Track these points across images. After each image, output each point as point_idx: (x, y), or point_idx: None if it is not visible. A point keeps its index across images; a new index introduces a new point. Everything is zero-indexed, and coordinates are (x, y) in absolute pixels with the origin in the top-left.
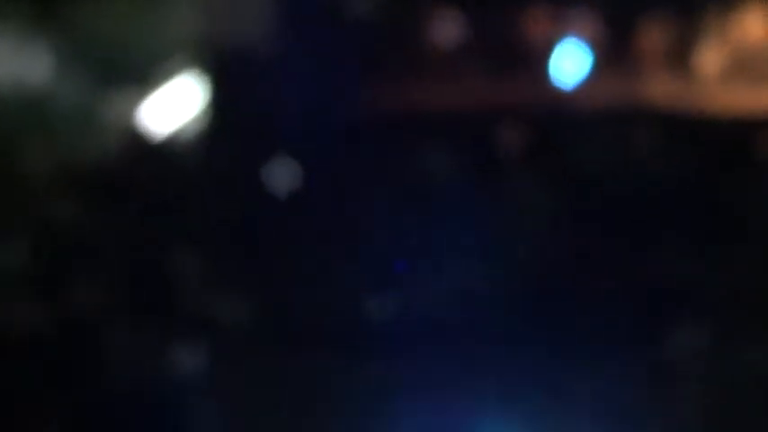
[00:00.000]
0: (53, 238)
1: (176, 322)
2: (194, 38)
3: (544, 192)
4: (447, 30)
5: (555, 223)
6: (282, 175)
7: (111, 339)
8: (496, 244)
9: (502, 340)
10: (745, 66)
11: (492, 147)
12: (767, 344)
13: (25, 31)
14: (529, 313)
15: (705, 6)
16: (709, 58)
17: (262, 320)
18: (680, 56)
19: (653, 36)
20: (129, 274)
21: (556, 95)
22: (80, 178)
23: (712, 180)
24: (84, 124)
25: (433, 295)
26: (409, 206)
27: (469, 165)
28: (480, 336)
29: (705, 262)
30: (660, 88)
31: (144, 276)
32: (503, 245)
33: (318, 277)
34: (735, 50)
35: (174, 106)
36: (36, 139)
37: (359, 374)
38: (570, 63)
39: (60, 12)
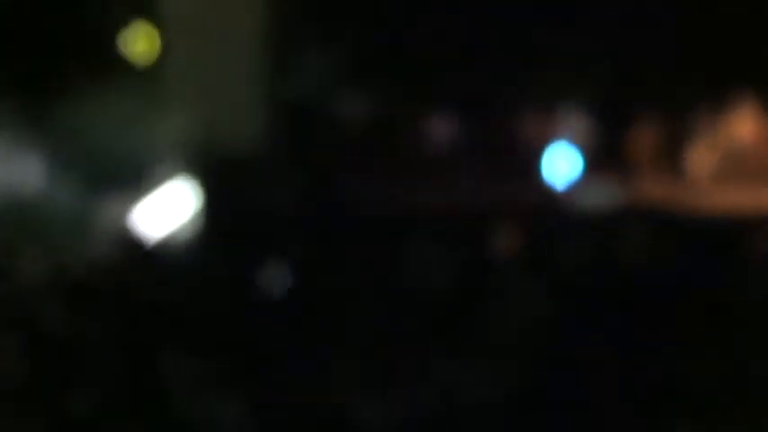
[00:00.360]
0: (47, 345)
1: (171, 425)
2: (186, 143)
3: (538, 290)
4: (442, 132)
5: (549, 321)
6: (275, 278)
7: None
8: (490, 342)
9: None
10: (736, 166)
11: (486, 247)
12: None
13: (19, 135)
14: (523, 413)
15: (696, 108)
16: (700, 158)
17: (256, 421)
18: (671, 157)
19: (644, 137)
20: (123, 379)
21: (549, 196)
22: (74, 283)
23: (705, 278)
24: (77, 229)
25: (424, 397)
26: (402, 307)
27: (464, 265)
28: None
29: (699, 359)
30: (652, 188)
31: (138, 380)
32: (496, 342)
33: (311, 379)
34: (725, 151)
35: (166, 211)
36: (30, 244)
37: None
38: (562, 165)
39: (54, 117)
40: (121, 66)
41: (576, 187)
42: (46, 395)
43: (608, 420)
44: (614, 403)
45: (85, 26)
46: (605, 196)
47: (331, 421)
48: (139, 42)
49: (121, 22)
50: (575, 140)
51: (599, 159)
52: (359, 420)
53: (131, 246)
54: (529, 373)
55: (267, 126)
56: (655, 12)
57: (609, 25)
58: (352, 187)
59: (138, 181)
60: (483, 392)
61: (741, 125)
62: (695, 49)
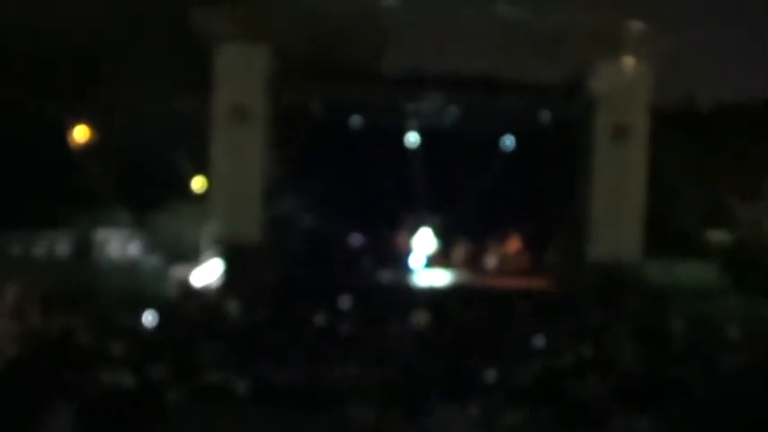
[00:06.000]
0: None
1: None
2: (219, 238)
3: None
4: None
5: None
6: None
7: None
8: None
9: None
10: None
11: None
12: None
13: (134, 232)
14: None
15: None
16: None
17: None
18: None
19: None
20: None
21: None
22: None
23: None
24: (161, 281)
25: None
26: None
27: None
28: None
29: None
30: None
31: None
32: None
33: None
34: None
35: (207, 273)
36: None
37: None
38: None
39: (155, 223)
40: (191, 195)
41: None
42: None
43: None
44: None
45: (174, 178)
46: None
47: None
48: (198, 183)
49: (190, 174)
50: None
51: None
52: None
53: (188, 289)
54: None
55: (265, 229)
56: None
57: None
58: None
59: (196, 256)
60: None
61: None
62: None
